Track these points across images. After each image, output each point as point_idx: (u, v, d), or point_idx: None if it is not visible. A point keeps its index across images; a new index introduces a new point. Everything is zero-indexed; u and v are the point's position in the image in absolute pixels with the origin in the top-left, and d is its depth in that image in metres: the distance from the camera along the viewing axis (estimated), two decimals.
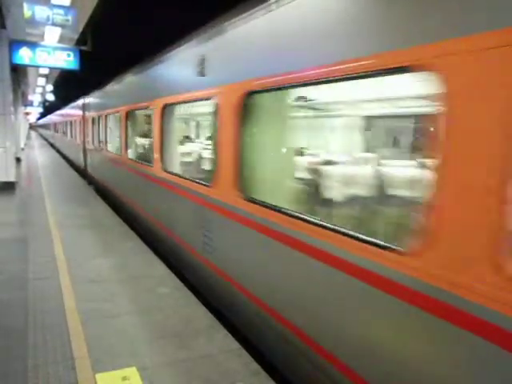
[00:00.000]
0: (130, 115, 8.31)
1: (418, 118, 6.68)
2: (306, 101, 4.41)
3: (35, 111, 46.91)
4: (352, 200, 4.50)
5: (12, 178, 11.82)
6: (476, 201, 1.89)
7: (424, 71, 2.13)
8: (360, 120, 7.57)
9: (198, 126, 16.14)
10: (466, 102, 1.94)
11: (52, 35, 11.08)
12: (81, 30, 11.28)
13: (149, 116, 7.21)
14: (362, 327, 2.58)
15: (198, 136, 15.40)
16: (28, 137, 49.47)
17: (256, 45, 3.62)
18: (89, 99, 13.67)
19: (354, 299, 2.63)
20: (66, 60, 11.68)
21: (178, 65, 5.58)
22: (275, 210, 3.35)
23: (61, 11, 9.36)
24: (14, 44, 11.07)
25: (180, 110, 7.41)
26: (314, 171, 4.89)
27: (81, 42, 12.13)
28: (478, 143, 1.90)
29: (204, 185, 4.66)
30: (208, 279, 4.60)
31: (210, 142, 9.61)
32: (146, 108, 6.90)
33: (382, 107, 6.92)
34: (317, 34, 2.86)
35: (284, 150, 4.05)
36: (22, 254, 5.91)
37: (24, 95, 29.17)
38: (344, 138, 7.90)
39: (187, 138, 12.95)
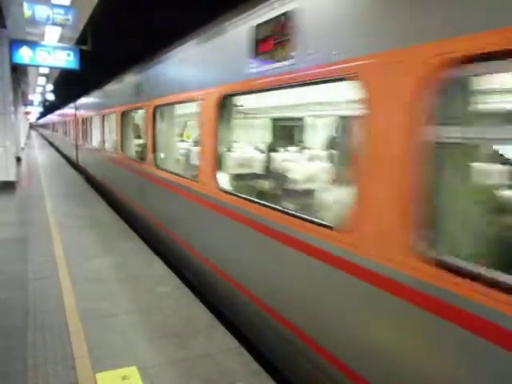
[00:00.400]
0: (106, 118, 10.92)
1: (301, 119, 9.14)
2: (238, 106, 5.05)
3: (35, 111, 46.93)
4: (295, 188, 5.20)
5: (12, 178, 11.83)
6: (386, 190, 2.40)
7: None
8: (270, 121, 9.87)
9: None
10: (376, 106, 2.43)
11: (52, 35, 11.08)
12: (81, 29, 11.28)
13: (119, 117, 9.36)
14: (308, 293, 3.10)
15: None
16: (28, 136, 49.48)
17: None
18: (79, 103, 16.42)
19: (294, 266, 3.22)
20: (66, 59, 11.69)
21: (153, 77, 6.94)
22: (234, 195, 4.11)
23: (61, 11, 9.36)
24: (14, 43, 11.07)
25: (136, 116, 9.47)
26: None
27: (81, 41, 12.13)
28: (386, 142, 2.38)
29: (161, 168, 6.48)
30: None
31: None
32: (122, 112, 8.91)
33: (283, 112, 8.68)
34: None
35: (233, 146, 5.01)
36: (21, 254, 5.91)
37: (24, 95, 29.18)
38: (259, 135, 9.96)
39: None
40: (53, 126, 36.99)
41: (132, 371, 3.17)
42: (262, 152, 6.86)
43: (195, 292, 4.90)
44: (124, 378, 3.10)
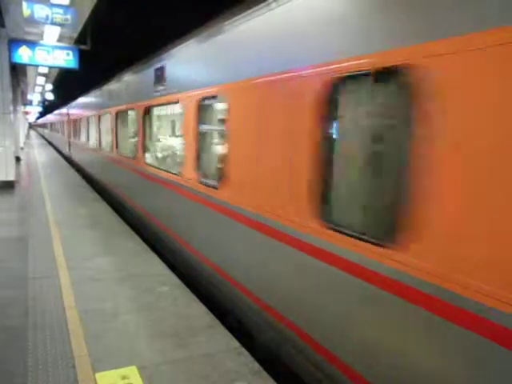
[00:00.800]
0: (89, 119, 13.85)
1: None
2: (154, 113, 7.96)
3: (34, 110, 46.88)
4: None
5: (11, 177, 11.82)
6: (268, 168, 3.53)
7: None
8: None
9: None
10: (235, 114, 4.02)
11: (51, 34, 11.07)
12: (80, 29, 11.26)
13: (98, 120, 12.07)
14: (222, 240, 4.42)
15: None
16: (27, 136, 49.43)
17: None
18: (70, 106, 19.96)
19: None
20: (66, 59, 11.67)
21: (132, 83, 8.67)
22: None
23: (60, 10, 9.34)
24: (14, 43, 11.06)
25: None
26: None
27: (80, 41, 12.12)
28: (245, 137, 3.84)
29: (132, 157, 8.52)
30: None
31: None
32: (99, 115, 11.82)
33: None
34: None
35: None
36: (21, 253, 5.91)
37: (23, 94, 29.14)
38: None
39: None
40: (50, 126, 41.93)
41: (132, 371, 3.17)
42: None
43: (194, 291, 4.90)
44: (124, 377, 3.10)
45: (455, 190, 2.05)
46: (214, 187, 4.44)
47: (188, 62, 5.29)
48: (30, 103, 37.20)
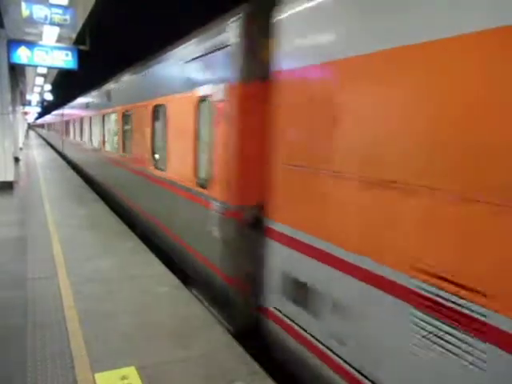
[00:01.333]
0: (75, 122, 17.70)
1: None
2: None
3: (33, 111, 46.82)
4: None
5: (10, 178, 11.81)
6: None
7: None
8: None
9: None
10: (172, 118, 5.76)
11: (50, 35, 11.06)
12: (79, 29, 11.25)
13: (81, 122, 15.76)
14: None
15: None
16: (26, 136, 49.37)
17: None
18: (63, 109, 23.86)
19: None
20: (65, 59, 11.67)
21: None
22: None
23: (59, 10, 9.34)
24: (12, 43, 11.05)
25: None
26: None
27: (79, 41, 12.11)
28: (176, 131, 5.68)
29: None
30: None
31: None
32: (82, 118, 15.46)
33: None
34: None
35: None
36: (20, 254, 5.91)
37: (22, 95, 29.10)
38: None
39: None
40: (47, 126, 47.45)
41: (131, 371, 3.18)
42: None
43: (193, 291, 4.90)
44: (123, 377, 3.10)
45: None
46: (160, 168, 6.29)
47: (150, 79, 6.91)
48: (29, 103, 37.14)
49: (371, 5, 2.53)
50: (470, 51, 1.99)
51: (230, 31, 3.88)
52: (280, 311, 3.42)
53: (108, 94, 10.03)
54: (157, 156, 6.56)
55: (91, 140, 13.09)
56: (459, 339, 2.04)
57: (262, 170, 3.64)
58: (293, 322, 3.25)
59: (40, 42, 11.46)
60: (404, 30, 2.30)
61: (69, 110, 20.71)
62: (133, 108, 7.71)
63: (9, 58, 11.11)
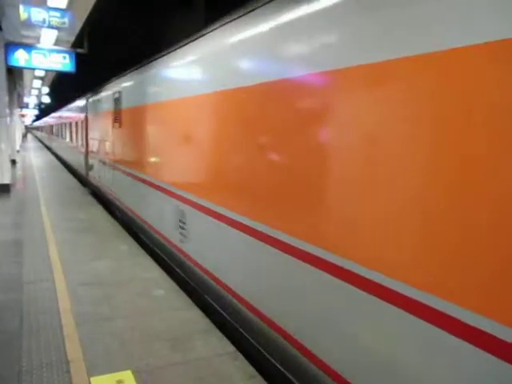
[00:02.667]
0: (60, 125, 23.22)
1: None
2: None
3: (31, 113, 46.76)
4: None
5: (7, 181, 11.77)
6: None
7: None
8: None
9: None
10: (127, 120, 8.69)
11: (48, 37, 11.06)
12: (77, 32, 11.26)
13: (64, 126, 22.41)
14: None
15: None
16: (23, 139, 49.26)
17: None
18: (51, 115, 30.60)
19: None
20: (62, 62, 11.66)
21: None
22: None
23: (57, 14, 9.35)
24: (10, 46, 11.04)
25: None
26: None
27: (77, 44, 12.11)
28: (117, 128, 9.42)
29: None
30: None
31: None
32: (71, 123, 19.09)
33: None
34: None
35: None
36: (16, 257, 5.88)
37: (20, 97, 29.07)
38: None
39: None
40: (41, 129, 56.88)
41: (127, 375, 3.16)
42: None
43: (190, 295, 4.89)
44: (119, 381, 3.08)
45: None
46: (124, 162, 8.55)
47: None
48: (27, 106, 37.11)
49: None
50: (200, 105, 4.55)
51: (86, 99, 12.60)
52: None
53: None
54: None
55: (63, 135, 22.59)
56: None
57: None
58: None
59: (38, 45, 11.46)
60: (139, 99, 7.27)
61: (51, 118, 31.04)
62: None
63: (6, 60, 11.10)
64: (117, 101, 8.48)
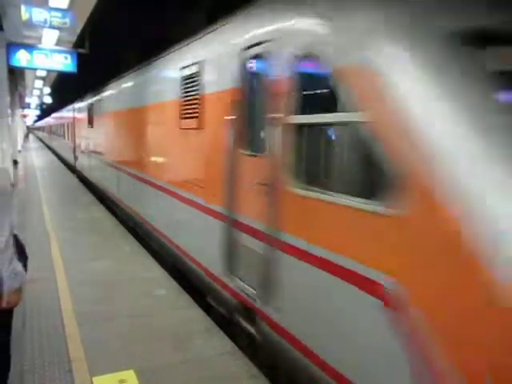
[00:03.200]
0: (58, 126, 27.32)
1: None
2: None
3: (32, 113, 46.81)
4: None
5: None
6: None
7: None
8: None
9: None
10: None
11: (49, 38, 11.06)
12: (78, 32, 11.26)
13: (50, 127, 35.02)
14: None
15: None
16: (25, 140, 49.34)
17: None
18: (50, 117, 37.78)
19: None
20: (64, 62, 11.66)
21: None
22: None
23: (58, 14, 9.35)
24: (12, 46, 11.04)
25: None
26: None
27: (78, 44, 12.11)
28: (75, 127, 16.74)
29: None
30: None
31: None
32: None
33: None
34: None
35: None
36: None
37: (21, 97, 29.10)
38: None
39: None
40: (42, 129, 60.73)
41: (129, 374, 3.16)
42: None
43: (193, 294, 4.89)
44: (121, 381, 3.09)
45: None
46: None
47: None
48: (28, 106, 37.13)
49: None
50: None
51: (73, 106, 18.73)
52: None
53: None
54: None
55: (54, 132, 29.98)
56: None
57: None
58: None
59: (39, 46, 11.46)
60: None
61: (47, 122, 39.71)
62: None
63: (8, 60, 11.10)
64: (89, 110, 12.71)
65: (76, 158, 16.25)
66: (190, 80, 4.74)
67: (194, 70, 4.66)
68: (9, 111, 12.33)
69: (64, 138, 22.16)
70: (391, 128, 2.15)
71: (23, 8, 8.98)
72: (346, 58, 2.47)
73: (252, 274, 3.35)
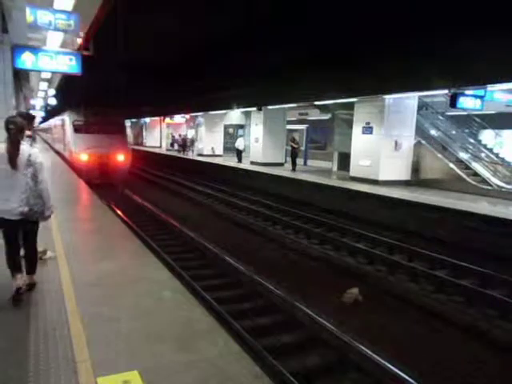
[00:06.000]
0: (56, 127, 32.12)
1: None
2: None
3: (37, 115, 47.10)
4: None
5: None
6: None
7: None
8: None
9: None
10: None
11: (54, 40, 11.14)
12: (83, 34, 11.33)
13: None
14: None
15: None
16: (32, 143, 49.76)
17: None
18: (51, 121, 38.32)
19: None
20: (69, 64, 11.72)
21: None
22: None
23: (63, 16, 9.41)
24: (17, 49, 11.11)
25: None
26: None
27: (83, 46, 12.17)
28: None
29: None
30: None
31: None
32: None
33: None
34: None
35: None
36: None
37: (26, 99, 29.30)
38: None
39: None
40: (45, 130, 69.29)
41: (133, 375, 3.17)
42: None
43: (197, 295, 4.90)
44: (125, 382, 3.09)
45: None
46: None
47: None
48: (33, 108, 37.36)
49: None
50: None
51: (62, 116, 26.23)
52: None
53: None
54: None
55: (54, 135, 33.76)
56: None
57: None
58: None
59: (44, 48, 11.53)
60: None
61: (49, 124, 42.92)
62: None
63: (13, 63, 11.17)
64: (63, 121, 21.99)
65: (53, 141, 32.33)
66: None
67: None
68: (14, 113, 12.40)
69: (51, 134, 37.08)
70: None
71: (28, 10, 9.04)
72: None
73: None
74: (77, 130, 18.50)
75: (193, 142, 31.70)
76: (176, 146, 35.64)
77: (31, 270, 4.74)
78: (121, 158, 18.23)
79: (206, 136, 29.69)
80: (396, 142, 15.50)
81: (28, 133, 6.40)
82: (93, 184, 15.01)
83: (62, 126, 22.55)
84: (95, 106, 19.29)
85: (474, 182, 14.19)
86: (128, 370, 3.23)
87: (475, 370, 5.14)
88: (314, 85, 13.45)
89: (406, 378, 4.38)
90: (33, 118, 6.61)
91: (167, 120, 38.13)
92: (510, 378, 5.09)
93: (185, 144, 32.44)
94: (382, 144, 15.46)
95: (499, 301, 6.85)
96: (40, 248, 5.57)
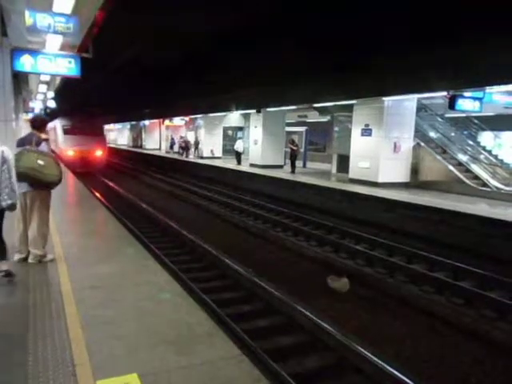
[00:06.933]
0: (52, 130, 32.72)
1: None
2: None
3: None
4: None
5: None
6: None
7: None
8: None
9: None
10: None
11: (53, 43, 11.14)
12: (82, 37, 11.34)
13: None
14: None
15: None
16: None
17: None
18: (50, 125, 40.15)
19: None
20: (68, 67, 11.74)
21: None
22: None
23: (62, 19, 9.41)
24: (16, 51, 11.12)
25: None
26: None
27: (82, 49, 12.19)
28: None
29: None
30: None
31: None
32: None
33: None
34: None
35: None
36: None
37: (25, 102, 29.29)
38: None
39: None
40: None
41: (133, 378, 3.16)
42: None
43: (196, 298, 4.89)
44: None
45: None
46: None
47: None
48: (32, 111, 37.37)
49: None
50: None
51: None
52: None
53: None
54: None
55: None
56: None
57: None
58: None
59: (43, 50, 11.54)
60: None
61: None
62: None
63: (12, 65, 11.18)
64: (55, 125, 26.41)
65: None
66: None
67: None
68: (13, 116, 12.39)
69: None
70: None
71: (27, 13, 9.05)
72: None
73: None
74: (65, 132, 25.25)
75: (197, 144, 31.26)
76: (175, 148, 35.58)
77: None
78: (99, 153, 24.62)
79: (205, 138, 29.72)
80: (395, 144, 15.50)
81: (44, 136, 6.44)
82: (77, 172, 20.08)
83: (54, 129, 28.07)
84: (79, 114, 26.77)
85: (472, 184, 14.19)
86: (127, 373, 3.22)
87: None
88: (313, 86, 13.47)
89: None
90: (46, 122, 6.65)
91: (166, 122, 38.06)
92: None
93: (187, 146, 32.17)
94: (381, 146, 15.45)
95: (499, 301, 6.89)
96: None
